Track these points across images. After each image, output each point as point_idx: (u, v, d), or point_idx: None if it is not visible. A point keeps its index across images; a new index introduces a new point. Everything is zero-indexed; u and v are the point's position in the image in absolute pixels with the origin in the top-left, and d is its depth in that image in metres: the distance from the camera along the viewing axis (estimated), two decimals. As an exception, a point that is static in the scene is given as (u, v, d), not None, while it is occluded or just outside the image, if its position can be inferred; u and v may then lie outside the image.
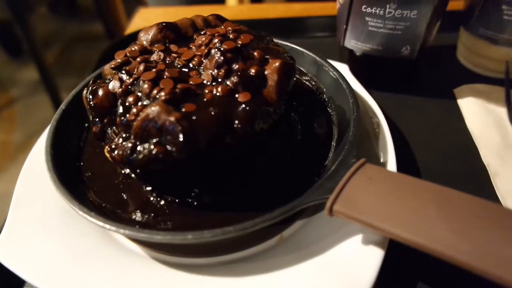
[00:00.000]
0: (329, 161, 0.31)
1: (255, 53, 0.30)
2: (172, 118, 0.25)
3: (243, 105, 0.27)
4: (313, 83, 0.39)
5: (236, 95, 0.28)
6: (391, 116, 0.42)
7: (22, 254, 0.28)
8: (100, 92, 0.29)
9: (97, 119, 0.29)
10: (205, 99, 0.27)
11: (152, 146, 0.26)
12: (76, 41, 1.96)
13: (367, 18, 0.39)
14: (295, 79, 0.38)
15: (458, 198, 0.24)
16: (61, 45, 1.94)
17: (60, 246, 0.29)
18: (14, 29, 1.66)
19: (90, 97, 0.29)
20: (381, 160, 0.33)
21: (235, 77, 0.28)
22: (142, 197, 0.30)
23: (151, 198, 0.30)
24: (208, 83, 0.29)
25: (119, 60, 0.31)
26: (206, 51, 0.30)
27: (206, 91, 0.28)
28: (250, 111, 0.27)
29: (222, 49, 0.29)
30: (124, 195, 0.30)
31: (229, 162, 0.29)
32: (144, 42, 0.33)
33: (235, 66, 0.29)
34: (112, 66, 0.31)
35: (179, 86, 0.27)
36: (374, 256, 0.26)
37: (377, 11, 0.38)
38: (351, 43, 0.42)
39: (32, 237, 0.29)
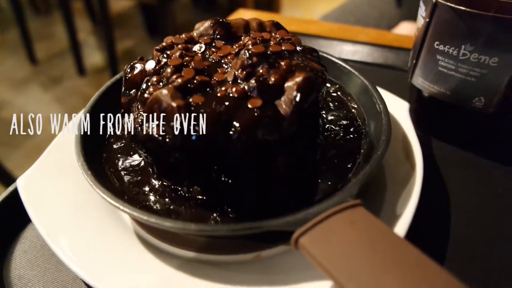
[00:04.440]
0: (327, 194, 0.28)
1: (283, 63, 0.29)
2: (174, 104, 0.26)
3: (249, 110, 0.26)
4: (358, 110, 0.36)
5: (248, 100, 0.27)
6: (444, 172, 0.36)
7: (39, 194, 0.32)
8: (137, 68, 0.32)
9: (127, 91, 0.32)
10: (217, 95, 0.27)
11: (153, 126, 0.27)
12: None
13: (438, 56, 0.34)
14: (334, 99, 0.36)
15: (440, 278, 0.20)
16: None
17: (72, 198, 0.32)
18: (157, 12, 1.89)
19: (128, 70, 0.32)
20: (395, 213, 0.29)
21: (253, 81, 0.28)
22: (143, 170, 0.31)
23: (151, 177, 0.31)
24: (229, 82, 0.29)
25: (164, 44, 0.33)
26: (237, 50, 0.30)
27: (223, 89, 0.28)
28: (253, 117, 0.26)
29: (250, 51, 0.29)
30: (128, 163, 0.32)
31: (226, 165, 0.28)
32: (195, 33, 0.35)
33: (259, 71, 0.28)
34: (157, 48, 0.33)
35: (197, 77, 0.28)
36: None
37: (450, 51, 0.33)
38: (419, 81, 0.38)
39: (54, 181, 0.33)
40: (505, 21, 0.30)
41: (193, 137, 0.26)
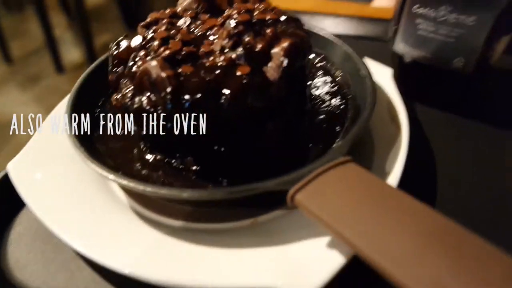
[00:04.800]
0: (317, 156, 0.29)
1: (268, 31, 0.29)
2: (163, 74, 0.26)
3: (238, 77, 0.27)
4: (343, 77, 0.36)
5: (237, 67, 0.28)
6: (428, 132, 0.37)
7: (31, 177, 0.31)
8: (123, 45, 0.32)
9: (114, 69, 0.32)
10: (206, 65, 0.28)
11: (144, 98, 0.27)
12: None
13: (418, 20, 0.35)
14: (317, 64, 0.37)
15: (434, 220, 0.21)
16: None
17: (64, 179, 0.32)
18: (135, 3, 1.87)
19: (114, 48, 0.32)
20: (384, 170, 0.30)
21: (240, 49, 0.28)
22: (134, 146, 0.32)
23: (144, 152, 0.31)
24: (217, 52, 0.29)
25: (149, 20, 0.33)
26: (222, 21, 0.30)
27: (211, 59, 0.28)
28: (242, 84, 0.27)
29: (236, 20, 0.29)
30: (120, 140, 0.32)
31: (218, 133, 0.28)
32: (179, 8, 0.35)
33: (245, 39, 0.28)
34: (142, 24, 0.33)
35: (185, 48, 0.28)
36: (331, 263, 0.24)
37: (430, 13, 0.34)
38: (400, 46, 0.39)
39: (44, 164, 0.33)
40: (481, -20, 0.31)
41: (184, 106, 0.26)
